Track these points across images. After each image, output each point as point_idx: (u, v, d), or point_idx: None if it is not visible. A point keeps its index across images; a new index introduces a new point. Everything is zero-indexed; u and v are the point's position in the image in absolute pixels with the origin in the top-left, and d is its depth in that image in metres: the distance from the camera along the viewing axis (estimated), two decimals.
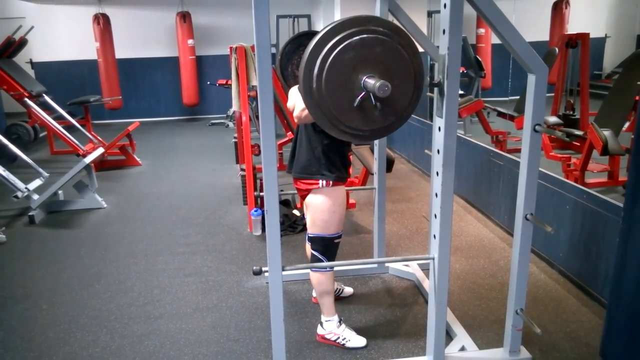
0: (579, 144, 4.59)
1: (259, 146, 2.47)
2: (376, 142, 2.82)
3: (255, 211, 3.65)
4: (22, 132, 6.82)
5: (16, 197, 4.07)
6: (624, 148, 3.56)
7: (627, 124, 3.91)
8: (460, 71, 1.78)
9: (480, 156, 4.00)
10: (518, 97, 5.45)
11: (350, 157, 4.09)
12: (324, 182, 2.18)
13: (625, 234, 1.66)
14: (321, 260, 2.27)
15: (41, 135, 7.13)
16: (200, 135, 7.90)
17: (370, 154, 3.55)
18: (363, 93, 1.62)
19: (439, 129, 1.80)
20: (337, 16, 6.49)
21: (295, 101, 2.17)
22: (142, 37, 8.88)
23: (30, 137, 6.88)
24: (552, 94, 5.15)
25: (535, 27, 6.41)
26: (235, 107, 3.93)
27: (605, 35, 6.52)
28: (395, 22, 2.52)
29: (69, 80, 8.74)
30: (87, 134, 6.39)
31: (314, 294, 2.75)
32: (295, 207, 3.95)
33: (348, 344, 2.33)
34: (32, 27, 7.35)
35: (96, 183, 4.48)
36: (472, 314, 2.61)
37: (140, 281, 3.06)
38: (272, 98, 1.65)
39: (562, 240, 2.94)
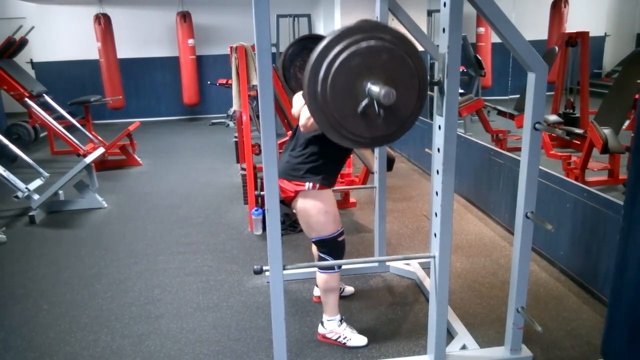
0: (579, 143, 4.60)
1: (259, 145, 2.48)
2: None
3: (256, 210, 3.65)
4: (22, 132, 6.82)
5: (17, 197, 4.07)
6: (624, 146, 3.57)
7: (627, 122, 3.92)
8: (460, 70, 1.78)
9: (481, 155, 4.00)
10: (518, 95, 5.46)
11: (350, 156, 4.11)
12: (311, 184, 2.16)
13: (626, 232, 1.66)
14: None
15: (41, 135, 7.13)
16: (200, 134, 7.90)
17: (370, 152, 3.55)
18: (367, 99, 1.61)
19: (439, 127, 1.80)
20: (337, 16, 6.48)
21: (300, 109, 2.16)
22: (142, 37, 8.88)
23: (30, 137, 6.89)
24: (552, 93, 5.16)
25: (533, 26, 6.41)
26: (235, 106, 3.93)
27: (605, 33, 6.53)
28: (395, 21, 2.52)
29: (69, 80, 8.74)
30: (88, 133, 6.39)
31: (315, 293, 2.75)
32: None
33: (349, 343, 2.33)
34: (32, 27, 7.36)
35: (97, 183, 4.49)
36: (473, 312, 2.61)
37: (141, 281, 3.06)
38: (272, 97, 1.65)
39: (563, 239, 2.94)
